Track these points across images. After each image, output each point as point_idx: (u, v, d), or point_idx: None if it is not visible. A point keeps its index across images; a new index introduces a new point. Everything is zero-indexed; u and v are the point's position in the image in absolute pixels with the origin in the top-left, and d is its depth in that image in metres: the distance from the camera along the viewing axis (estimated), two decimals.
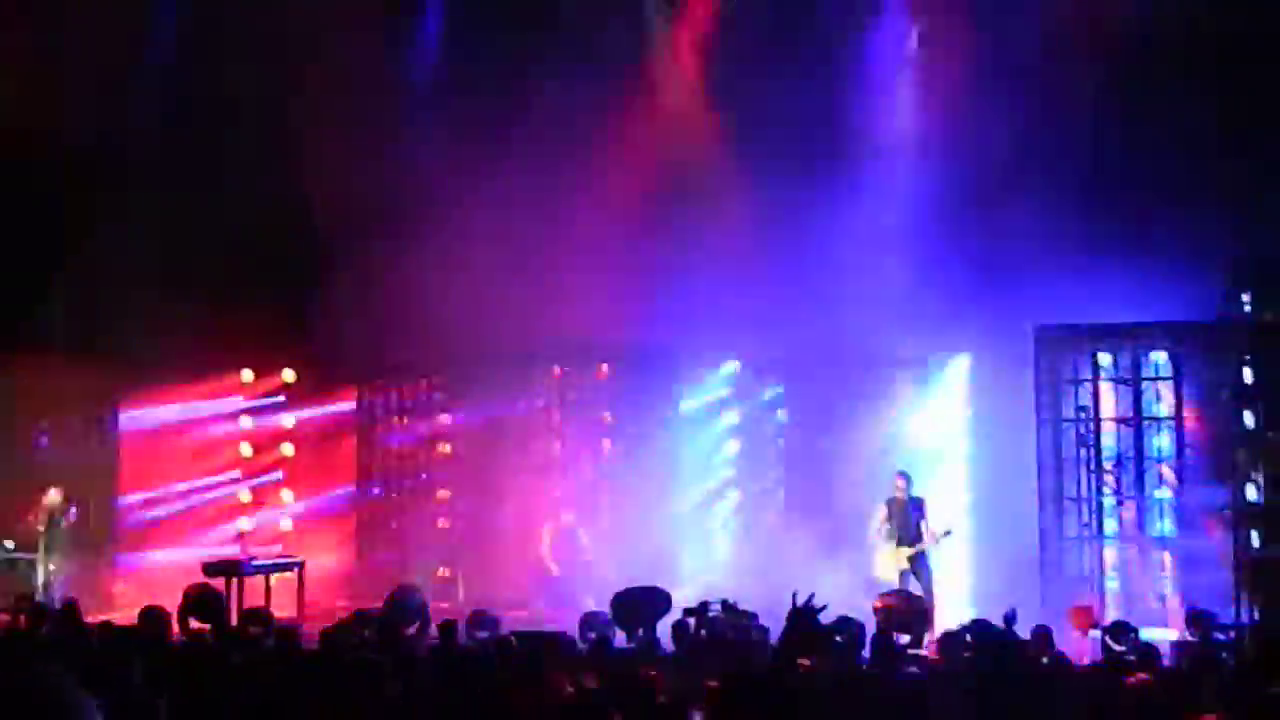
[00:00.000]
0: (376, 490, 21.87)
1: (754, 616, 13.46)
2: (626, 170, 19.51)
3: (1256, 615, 15.38)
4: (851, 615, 12.69)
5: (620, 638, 13.66)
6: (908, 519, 16.81)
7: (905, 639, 13.79)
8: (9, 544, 18.18)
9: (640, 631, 13.59)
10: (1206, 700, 8.12)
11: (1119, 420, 18.50)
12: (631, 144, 19.64)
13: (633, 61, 20.05)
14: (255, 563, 17.07)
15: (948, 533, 16.81)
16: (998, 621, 12.06)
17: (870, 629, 13.02)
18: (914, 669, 10.76)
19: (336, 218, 19.26)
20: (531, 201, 19.02)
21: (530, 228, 18.93)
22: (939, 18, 19.41)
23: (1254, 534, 16.30)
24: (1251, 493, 16.52)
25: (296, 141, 18.85)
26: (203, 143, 19.60)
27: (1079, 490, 18.45)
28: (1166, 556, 18.00)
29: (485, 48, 19.88)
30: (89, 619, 12.94)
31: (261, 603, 15.89)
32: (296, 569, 17.49)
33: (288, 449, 22.00)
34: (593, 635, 13.21)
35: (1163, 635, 14.80)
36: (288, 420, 21.97)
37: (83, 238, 19.15)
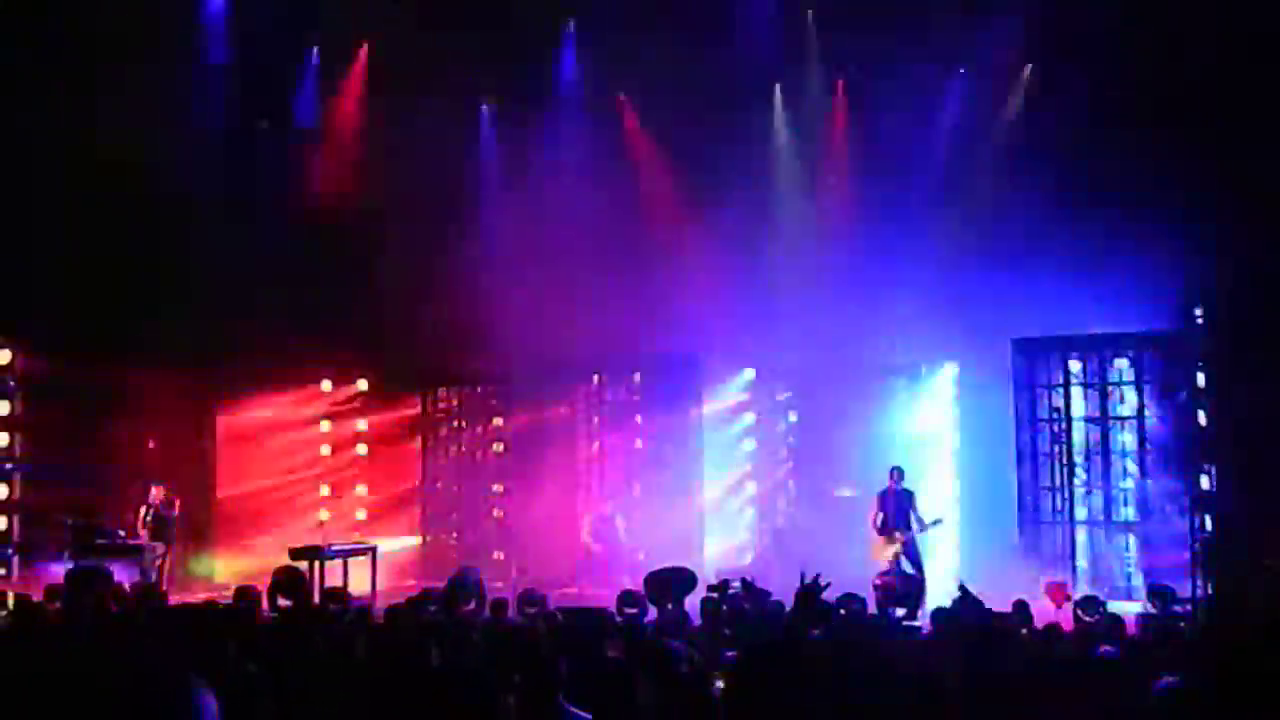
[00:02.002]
0: (439, 485, 21.89)
1: (769, 593, 13.39)
2: (657, 203, 19.56)
3: (1210, 590, 15.26)
4: (854, 592, 12.66)
5: (653, 612, 13.60)
6: (900, 509, 16.76)
7: (901, 612, 13.74)
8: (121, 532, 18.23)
9: (670, 607, 13.53)
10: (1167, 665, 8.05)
11: (1088, 419, 18.44)
12: (662, 181, 19.73)
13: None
14: (334, 548, 17.07)
15: (938, 521, 16.72)
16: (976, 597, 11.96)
17: (870, 604, 13.00)
18: (909, 638, 10.70)
19: (405, 251, 19.33)
20: (573, 231, 19.02)
21: (572, 254, 18.94)
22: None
23: (1207, 518, 16.21)
24: (1204, 482, 16.44)
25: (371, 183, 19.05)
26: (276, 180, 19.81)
27: (1053, 481, 18.41)
28: (1130, 538, 17.91)
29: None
30: (191, 598, 12.98)
31: (340, 583, 15.90)
32: (370, 554, 17.48)
33: (362, 449, 22.06)
34: (629, 610, 13.17)
35: (1127, 608, 14.69)
36: (362, 424, 22.04)
37: (184, 267, 19.29)
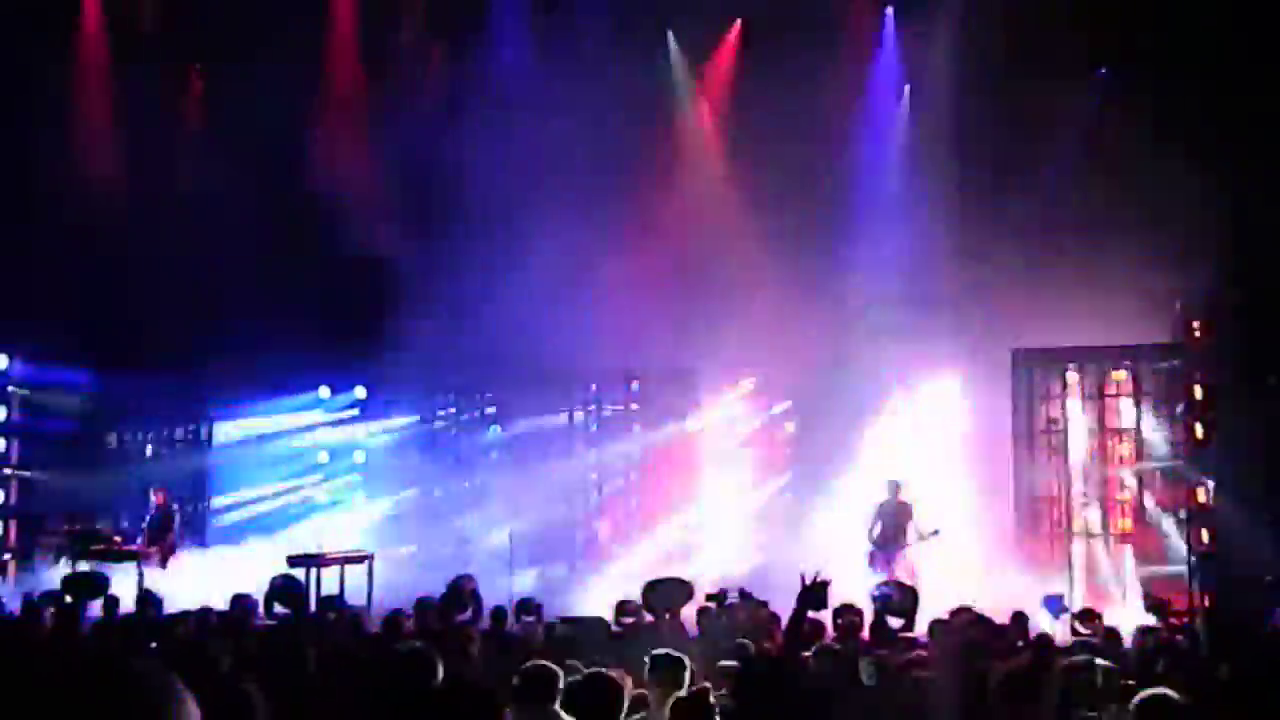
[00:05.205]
0: (437, 492, 21.83)
1: (766, 603, 13.37)
2: (654, 215, 19.52)
3: (1206, 602, 15.24)
4: (851, 603, 12.65)
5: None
6: (898, 521, 16.75)
7: (898, 623, 13.71)
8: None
9: (668, 616, 13.51)
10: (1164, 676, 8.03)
11: (1085, 431, 18.42)
12: (660, 191, 19.69)
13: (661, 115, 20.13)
14: (331, 555, 17.02)
15: (936, 532, 16.71)
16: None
17: (868, 614, 12.98)
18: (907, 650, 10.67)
19: (403, 260, 19.30)
20: (571, 242, 18.98)
21: (569, 265, 18.90)
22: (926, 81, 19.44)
23: (1203, 531, 16.21)
24: (1201, 495, 16.43)
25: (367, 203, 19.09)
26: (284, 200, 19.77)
27: (1051, 492, 18.37)
28: (1128, 550, 17.87)
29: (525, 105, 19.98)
30: (187, 606, 12.90)
31: (337, 591, 15.85)
32: (367, 561, 17.43)
33: (360, 456, 22.04)
34: (626, 620, 13.16)
35: (1125, 620, 14.65)
36: (360, 431, 22.01)
37: (182, 272, 19.26)
